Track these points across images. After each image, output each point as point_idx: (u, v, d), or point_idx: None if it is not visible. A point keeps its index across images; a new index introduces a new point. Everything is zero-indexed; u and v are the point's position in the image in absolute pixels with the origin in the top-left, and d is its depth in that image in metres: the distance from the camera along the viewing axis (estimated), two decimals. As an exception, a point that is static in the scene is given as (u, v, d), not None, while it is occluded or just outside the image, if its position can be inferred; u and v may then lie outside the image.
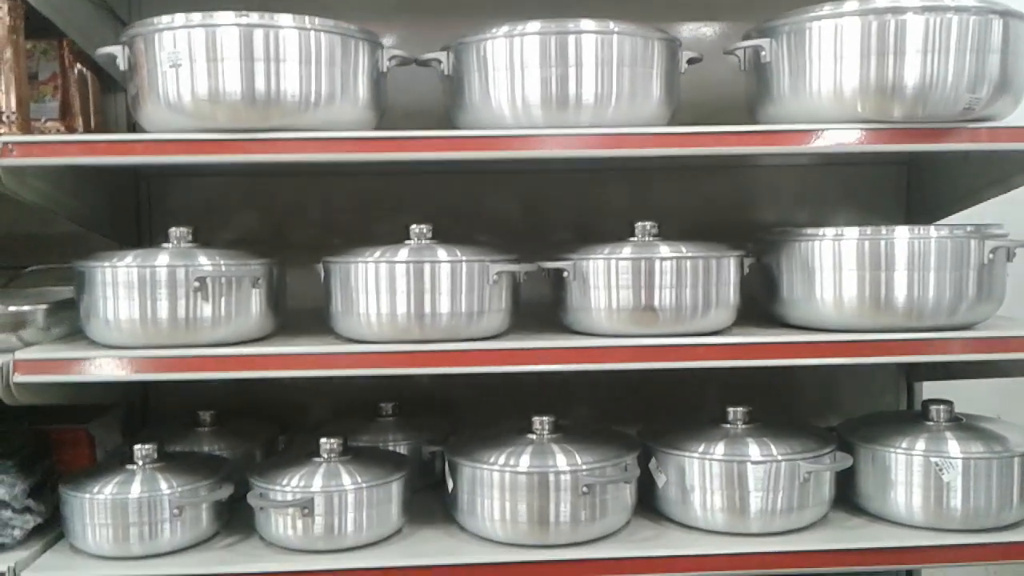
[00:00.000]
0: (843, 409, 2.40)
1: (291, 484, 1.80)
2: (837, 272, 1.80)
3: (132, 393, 2.33)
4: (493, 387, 2.37)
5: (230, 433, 2.15)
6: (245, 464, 2.01)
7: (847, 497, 1.97)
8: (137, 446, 1.86)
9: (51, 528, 1.90)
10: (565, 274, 1.84)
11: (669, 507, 1.91)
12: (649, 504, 1.95)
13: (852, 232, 1.79)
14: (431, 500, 2.05)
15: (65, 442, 2.10)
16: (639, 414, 2.24)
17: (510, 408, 1.98)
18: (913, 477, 1.84)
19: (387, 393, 2.27)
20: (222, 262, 1.76)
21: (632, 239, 1.86)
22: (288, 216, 2.38)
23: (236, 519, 1.93)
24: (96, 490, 1.78)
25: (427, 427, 2.19)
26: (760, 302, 1.97)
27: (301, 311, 2.00)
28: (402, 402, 2.27)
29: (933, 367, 2.33)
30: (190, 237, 1.84)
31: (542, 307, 1.95)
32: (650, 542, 1.84)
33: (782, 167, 2.44)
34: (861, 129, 1.75)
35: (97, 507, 1.76)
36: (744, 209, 2.42)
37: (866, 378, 2.46)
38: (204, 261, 1.75)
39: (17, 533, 1.82)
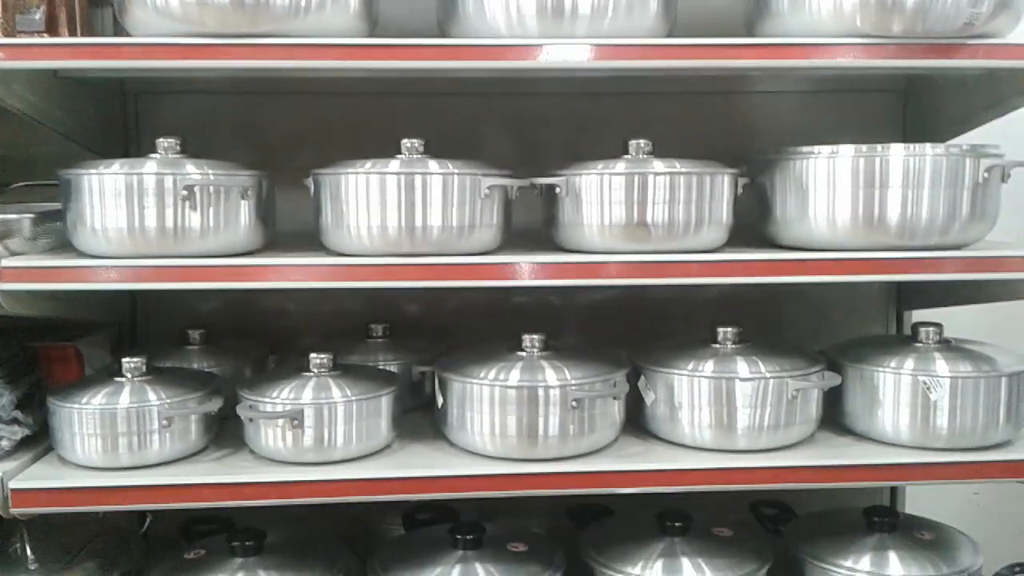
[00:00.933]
0: (832, 338, 2.40)
1: (281, 396, 1.80)
2: (831, 190, 1.79)
3: (122, 312, 2.31)
4: (483, 312, 2.39)
5: (220, 352, 2.14)
6: (235, 382, 2.01)
7: (834, 418, 1.98)
8: (125, 359, 1.85)
9: (39, 442, 1.90)
10: (558, 190, 1.82)
11: (657, 425, 1.92)
12: (637, 423, 1.96)
13: (847, 150, 1.78)
14: (421, 420, 2.05)
15: (54, 359, 2.09)
16: (629, 342, 2.23)
17: (500, 334, 1.97)
18: (900, 396, 1.85)
19: (377, 316, 2.27)
20: (210, 172, 1.74)
21: (626, 156, 1.84)
22: (278, 137, 2.34)
23: (226, 435, 1.94)
24: (84, 400, 1.78)
25: (417, 349, 2.19)
26: (754, 224, 1.96)
27: (291, 233, 1.98)
28: (392, 326, 2.27)
29: (923, 293, 2.33)
30: (178, 148, 1.81)
31: (534, 230, 1.94)
32: (638, 457, 1.85)
33: (777, 93, 2.42)
34: (861, 44, 1.73)
35: (85, 417, 1.76)
36: (738, 135, 2.39)
37: (856, 307, 2.46)
38: (192, 170, 1.73)
39: (5, 444, 1.82)
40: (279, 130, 2.34)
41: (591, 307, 2.46)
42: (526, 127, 2.40)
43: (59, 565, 1.89)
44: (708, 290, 2.42)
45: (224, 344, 2.19)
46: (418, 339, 2.27)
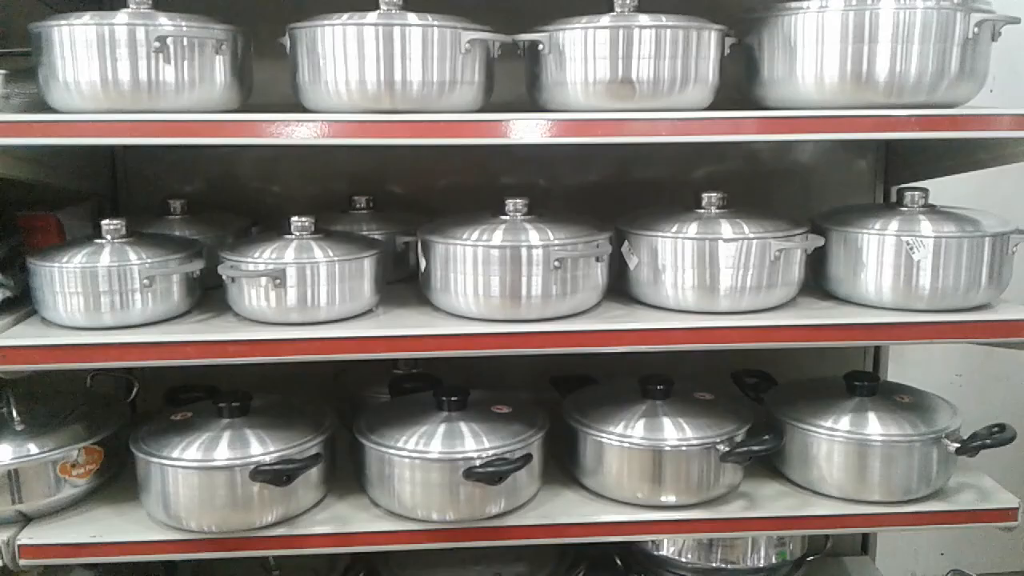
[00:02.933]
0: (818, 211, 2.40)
1: (263, 257, 1.79)
2: (819, 47, 1.75)
3: (102, 184, 2.29)
4: (468, 190, 2.37)
5: (201, 222, 2.13)
6: (217, 253, 1.99)
7: (817, 283, 1.99)
8: (105, 221, 1.84)
9: (21, 306, 1.90)
10: (541, 47, 1.78)
11: (640, 289, 1.92)
12: (620, 290, 1.97)
13: (837, 3, 1.73)
14: (405, 290, 2.06)
15: (35, 228, 2.07)
16: (614, 216, 2.23)
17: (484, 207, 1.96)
18: (884, 258, 1.85)
19: (361, 190, 2.25)
20: (183, 24, 1.70)
21: (611, 12, 1.80)
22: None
23: (209, 301, 1.94)
24: (65, 260, 1.77)
25: (401, 221, 2.17)
26: (740, 90, 1.93)
27: (268, 105, 1.94)
28: (376, 199, 2.25)
29: (909, 165, 2.32)
30: (151, 2, 1.76)
31: (518, 102, 1.90)
32: (620, 318, 1.86)
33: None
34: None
35: (66, 276, 1.75)
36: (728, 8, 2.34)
37: (843, 181, 2.45)
38: (165, 22, 1.68)
39: (-13, 304, 1.82)
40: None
41: (578, 188, 2.44)
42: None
43: (46, 427, 1.90)
44: (694, 170, 2.41)
45: (206, 216, 2.17)
46: (401, 211, 2.26)
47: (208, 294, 1.96)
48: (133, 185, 2.34)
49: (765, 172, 2.47)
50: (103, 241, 1.83)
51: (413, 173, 2.42)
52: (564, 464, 2.06)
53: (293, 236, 1.85)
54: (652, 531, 1.96)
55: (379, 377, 2.26)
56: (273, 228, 2.10)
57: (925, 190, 1.95)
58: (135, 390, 2.17)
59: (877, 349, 2.54)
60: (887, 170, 2.44)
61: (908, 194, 1.94)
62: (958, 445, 1.91)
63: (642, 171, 2.45)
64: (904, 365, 2.65)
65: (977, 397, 2.93)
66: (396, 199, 2.39)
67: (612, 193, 2.42)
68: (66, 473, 1.88)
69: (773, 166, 2.47)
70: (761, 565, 2.17)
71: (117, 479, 2.02)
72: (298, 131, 1.69)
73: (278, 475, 1.78)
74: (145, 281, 1.77)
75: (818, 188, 2.46)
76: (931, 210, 1.92)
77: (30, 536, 1.84)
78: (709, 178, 2.37)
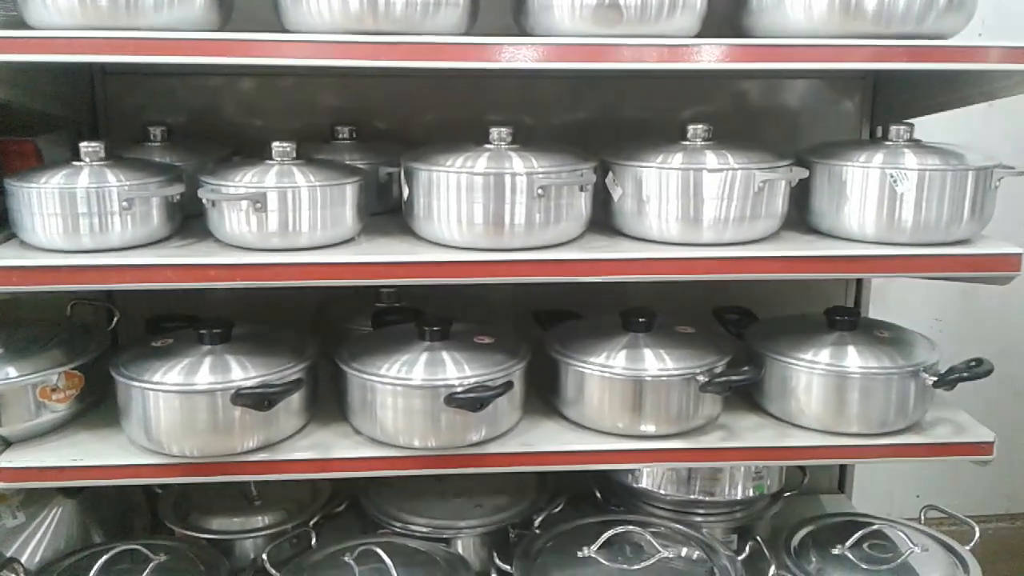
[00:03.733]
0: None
1: (244, 180, 1.77)
2: (808, -27, 1.74)
3: (81, 110, 2.26)
4: (451, 122, 2.35)
5: (182, 149, 2.10)
6: (197, 180, 1.97)
7: (801, 218, 1.99)
8: (83, 143, 1.82)
9: None
10: (526, -30, 1.76)
11: (624, 221, 1.91)
12: (604, 223, 1.96)
13: (823, -76, 1.72)
14: (388, 222, 2.04)
15: (12, 153, 2.05)
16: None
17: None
18: (868, 191, 1.85)
19: (344, 124, 2.23)
20: (162, -61, 1.66)
21: (598, -65, 1.77)
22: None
23: (189, 228, 1.93)
24: (43, 180, 1.75)
25: (384, 151, 2.16)
26: (730, 20, 1.92)
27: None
28: (359, 129, 2.23)
29: (896, 103, 2.32)
30: (128, -83, 1.72)
31: (502, 29, 1.88)
32: (604, 249, 1.86)
33: None
34: None
35: (45, 197, 1.73)
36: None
37: (829, 120, 2.44)
38: (143, -64, 1.65)
39: (-38, 227, 1.80)
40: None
41: (564, 127, 2.43)
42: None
43: (25, 352, 1.89)
44: (681, 109, 2.39)
45: (187, 143, 2.14)
46: (385, 142, 2.24)
47: (188, 223, 1.94)
48: (113, 114, 2.31)
49: (752, 112, 2.46)
50: (81, 163, 1.80)
51: (396, 108, 2.39)
52: (546, 397, 2.07)
53: (275, 161, 1.83)
54: (631, 460, 1.97)
55: (362, 311, 2.26)
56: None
57: (911, 124, 1.94)
58: (115, 319, 2.15)
59: (858, 289, 2.56)
60: (874, 110, 2.43)
61: (893, 128, 1.93)
62: (936, 378, 1.93)
63: (629, 110, 2.44)
64: (885, 308, 2.65)
65: (956, 341, 2.92)
66: (379, 135, 2.36)
67: (598, 132, 2.41)
68: (46, 397, 1.88)
69: (760, 105, 2.46)
70: (738, 498, 2.20)
71: (98, 407, 2.02)
72: (281, 50, 1.66)
73: (259, 399, 1.78)
74: (124, 203, 1.75)
75: (805, 128, 2.46)
76: (916, 144, 1.92)
77: (9, 459, 1.84)
78: (696, 118, 2.32)
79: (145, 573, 1.97)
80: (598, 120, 2.43)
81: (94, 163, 1.80)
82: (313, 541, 2.16)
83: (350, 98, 2.36)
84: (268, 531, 2.20)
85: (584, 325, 2.12)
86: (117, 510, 2.34)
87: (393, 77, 2.31)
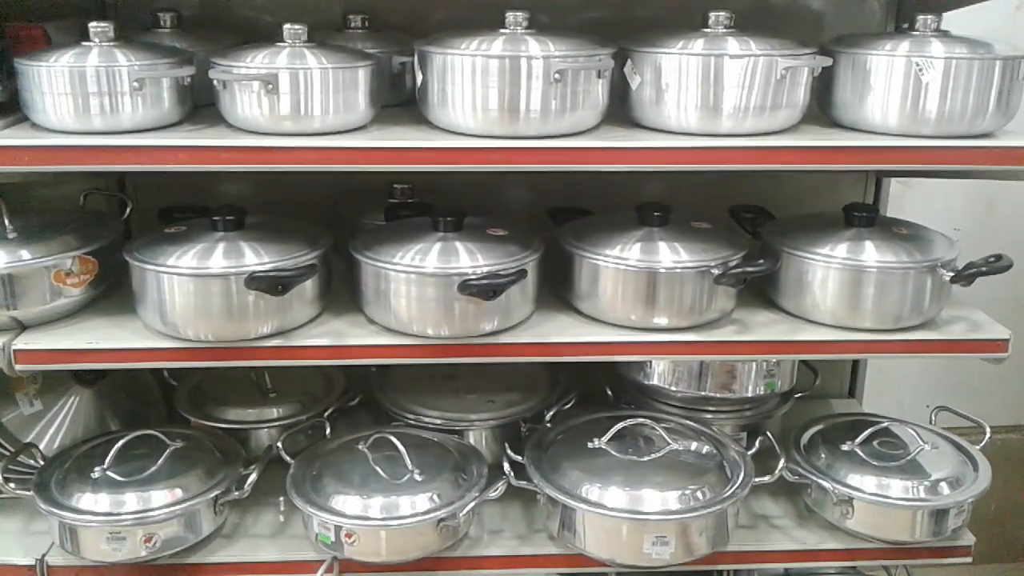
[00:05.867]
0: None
1: (255, 61, 1.74)
2: None
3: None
4: (464, 21, 2.29)
5: (192, 37, 2.06)
6: (207, 66, 1.94)
7: (823, 112, 1.95)
8: (93, 24, 1.79)
9: (9, 113, 1.86)
10: None
11: (642, 111, 1.87)
12: (621, 115, 1.92)
13: None
14: (401, 112, 2.01)
15: (21, 38, 2.01)
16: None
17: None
18: (892, 80, 1.80)
19: (356, 9, 2.19)
20: None
21: None
22: None
23: (201, 116, 1.90)
24: (53, 60, 1.72)
25: (397, 41, 2.11)
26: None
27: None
28: (371, 19, 2.19)
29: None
30: None
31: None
32: (622, 139, 1.82)
33: None
34: None
35: (55, 76, 1.71)
36: None
37: (854, 20, 2.38)
38: None
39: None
40: None
41: (580, 25, 2.37)
42: None
43: (40, 237, 1.89)
44: (701, 7, 2.32)
45: (197, 31, 2.11)
46: (399, 32, 2.20)
47: (199, 111, 1.92)
48: (123, 2, 2.27)
49: (776, 12, 2.40)
50: (91, 44, 1.77)
51: (409, 1, 2.34)
52: (559, 293, 2.06)
53: (286, 44, 1.80)
54: (644, 351, 1.97)
55: (375, 207, 2.25)
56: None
57: (939, 15, 1.89)
58: (128, 209, 2.15)
59: (876, 194, 2.52)
60: (899, 7, 2.37)
61: (920, 18, 1.87)
62: (953, 274, 1.91)
63: (646, 7, 2.38)
64: (903, 216, 2.63)
65: (975, 253, 2.91)
66: (392, 27, 2.31)
67: (616, 30, 2.34)
68: (60, 281, 1.88)
69: (784, 4, 2.40)
70: (749, 395, 2.20)
71: (112, 294, 2.03)
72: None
73: (273, 283, 1.78)
74: (135, 84, 1.72)
75: (830, 29, 2.39)
76: (943, 35, 1.86)
77: (25, 342, 1.85)
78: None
79: (162, 458, 2.01)
80: (616, 19, 2.37)
81: (104, 43, 1.78)
82: (327, 432, 2.19)
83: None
84: (282, 422, 2.23)
85: (599, 220, 2.10)
86: (133, 401, 2.38)
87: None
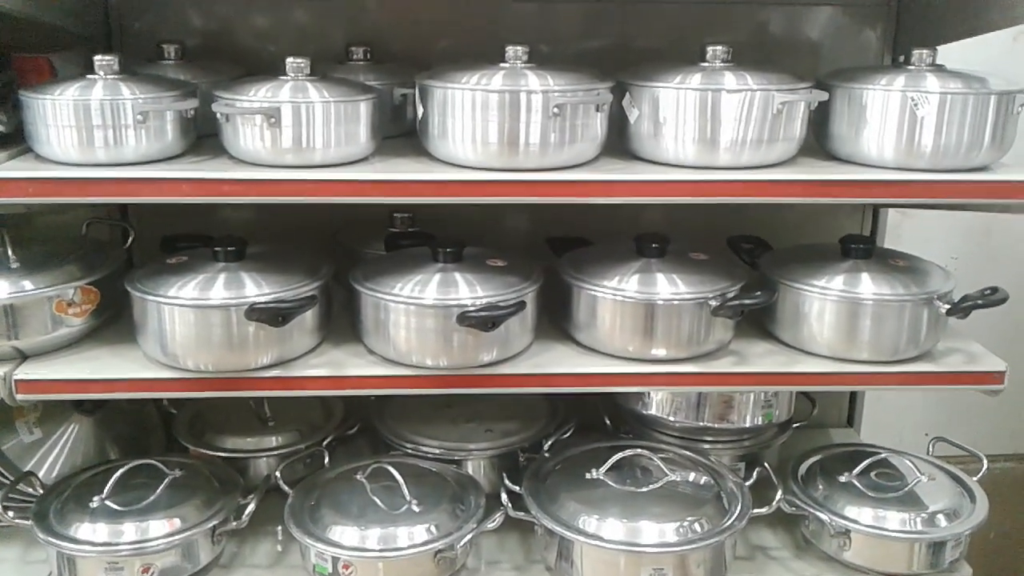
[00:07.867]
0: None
1: (258, 95, 1.76)
2: None
3: (95, 25, 2.24)
4: (465, 49, 2.32)
5: (196, 68, 2.09)
6: (210, 98, 1.96)
7: (820, 144, 1.97)
8: (98, 57, 1.81)
9: (15, 143, 1.88)
10: None
11: (640, 143, 1.89)
12: (619, 147, 1.94)
13: None
14: (402, 144, 2.03)
15: (27, 69, 2.04)
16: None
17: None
18: (888, 114, 1.82)
19: (359, 40, 2.22)
20: None
21: None
22: None
23: (204, 147, 1.92)
24: (58, 93, 1.74)
25: (398, 73, 2.14)
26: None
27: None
28: (374, 50, 2.22)
29: (918, 31, 2.28)
30: None
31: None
32: (619, 171, 1.84)
33: None
34: None
35: (60, 108, 1.72)
36: None
37: (851, 50, 2.40)
38: None
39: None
40: None
41: (580, 54, 2.39)
42: None
43: (42, 267, 1.90)
44: (699, 38, 2.35)
45: (200, 63, 2.13)
46: (399, 63, 2.22)
47: (202, 141, 1.93)
48: (126, 33, 2.30)
49: (773, 42, 2.42)
50: (96, 77, 1.79)
51: (411, 32, 2.37)
52: (558, 323, 2.07)
53: (288, 77, 1.82)
54: (642, 383, 1.98)
55: (375, 236, 2.26)
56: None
57: (934, 49, 1.91)
58: (131, 238, 2.16)
59: (874, 224, 2.54)
60: (896, 40, 2.39)
61: (916, 52, 1.89)
62: (949, 306, 1.92)
63: (645, 38, 2.40)
64: (900, 246, 2.64)
65: (973, 281, 2.92)
66: (393, 59, 2.34)
67: (615, 62, 2.36)
68: (62, 311, 1.89)
69: (781, 35, 2.42)
70: (747, 425, 2.21)
71: (113, 324, 2.04)
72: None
73: (273, 314, 1.79)
74: (139, 117, 1.74)
75: (827, 59, 2.41)
76: (938, 69, 1.88)
77: (26, 372, 1.86)
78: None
79: (160, 488, 2.01)
80: (615, 49, 2.40)
81: (108, 76, 1.80)
82: (326, 461, 2.19)
83: (364, 22, 2.34)
84: (281, 451, 2.24)
85: (597, 250, 2.12)
86: (133, 430, 2.38)
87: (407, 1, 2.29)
